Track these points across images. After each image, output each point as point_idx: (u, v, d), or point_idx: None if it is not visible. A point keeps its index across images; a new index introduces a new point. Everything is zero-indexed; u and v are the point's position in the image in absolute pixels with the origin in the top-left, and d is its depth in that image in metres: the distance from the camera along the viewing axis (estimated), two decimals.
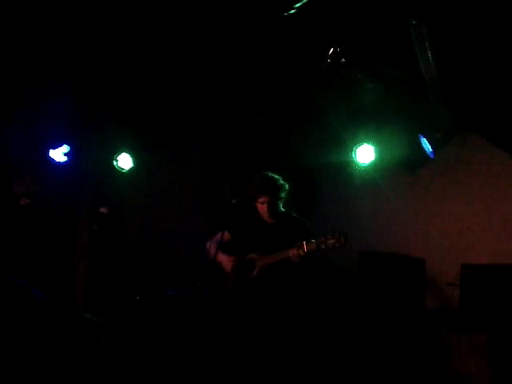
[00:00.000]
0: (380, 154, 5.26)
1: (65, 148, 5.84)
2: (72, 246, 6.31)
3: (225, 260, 4.53)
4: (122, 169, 5.94)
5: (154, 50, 4.72)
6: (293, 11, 3.26)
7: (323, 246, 4.07)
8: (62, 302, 4.34)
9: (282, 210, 4.51)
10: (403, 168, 5.59)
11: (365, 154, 5.28)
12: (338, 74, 4.20)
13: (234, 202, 4.45)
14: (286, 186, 4.46)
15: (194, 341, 4.76)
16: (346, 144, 5.34)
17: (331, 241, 4.05)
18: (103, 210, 4.63)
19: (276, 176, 4.45)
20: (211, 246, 4.58)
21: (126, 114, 5.88)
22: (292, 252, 4.14)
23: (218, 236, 4.49)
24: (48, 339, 2.18)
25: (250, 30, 4.05)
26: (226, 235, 4.57)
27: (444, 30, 3.85)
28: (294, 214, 4.54)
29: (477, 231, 5.61)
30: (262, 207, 4.43)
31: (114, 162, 5.89)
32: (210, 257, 4.47)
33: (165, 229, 6.39)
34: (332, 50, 3.86)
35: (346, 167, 5.54)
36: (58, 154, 5.84)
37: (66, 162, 5.87)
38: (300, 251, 4.11)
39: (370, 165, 5.34)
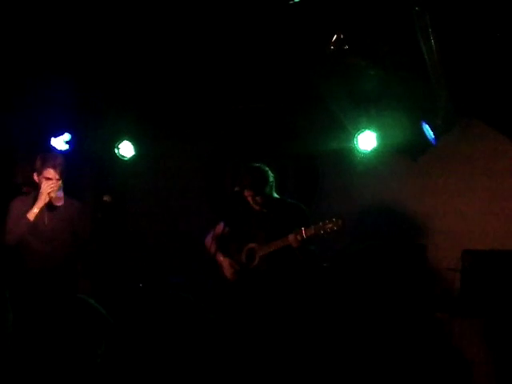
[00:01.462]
0: (382, 140, 5.26)
1: (66, 136, 5.82)
2: None
3: (226, 266, 4.51)
4: (124, 157, 5.92)
5: (154, 36, 4.70)
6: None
7: (322, 231, 4.10)
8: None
9: (276, 196, 4.49)
10: (405, 154, 5.60)
11: (366, 141, 5.27)
12: (340, 60, 4.19)
13: (236, 189, 4.45)
14: (268, 173, 4.42)
15: (195, 330, 4.77)
16: (348, 130, 5.34)
17: (329, 225, 4.08)
18: (106, 198, 4.63)
19: (257, 167, 4.42)
20: (212, 244, 4.53)
21: (127, 102, 5.86)
22: (291, 238, 4.14)
23: (216, 231, 4.47)
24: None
25: (254, 16, 4.03)
26: (224, 228, 4.53)
27: (447, 16, 3.83)
28: (290, 200, 4.53)
29: (478, 217, 5.64)
30: (251, 199, 4.43)
31: (116, 150, 5.88)
32: (211, 254, 4.46)
33: (167, 216, 6.40)
34: (336, 36, 3.85)
35: (347, 154, 5.54)
36: (60, 143, 5.82)
37: (67, 150, 5.86)
38: (298, 236, 4.12)
39: (371, 151, 5.34)
